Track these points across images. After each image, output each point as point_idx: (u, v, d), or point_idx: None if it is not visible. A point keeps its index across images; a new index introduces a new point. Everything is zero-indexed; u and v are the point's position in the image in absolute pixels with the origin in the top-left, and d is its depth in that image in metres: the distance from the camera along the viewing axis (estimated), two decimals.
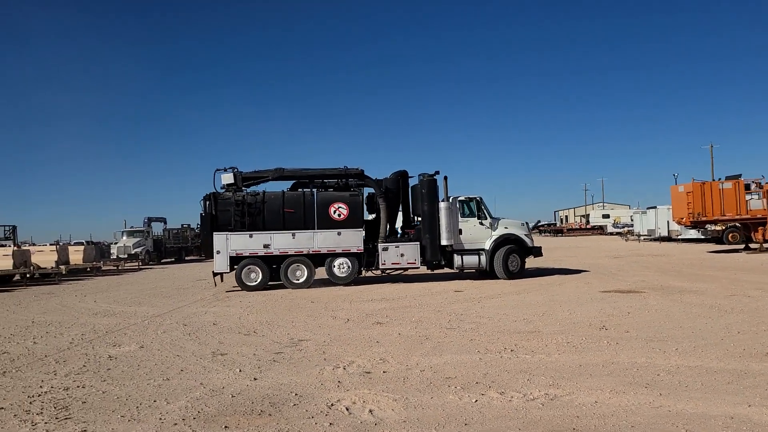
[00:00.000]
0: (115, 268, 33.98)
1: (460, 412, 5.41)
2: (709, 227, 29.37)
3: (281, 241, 17.86)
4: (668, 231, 40.94)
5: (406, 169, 19.33)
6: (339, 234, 17.95)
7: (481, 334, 9.22)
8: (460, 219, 18.51)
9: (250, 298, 15.82)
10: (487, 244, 18.32)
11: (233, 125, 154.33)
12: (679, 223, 29.97)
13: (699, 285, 14.91)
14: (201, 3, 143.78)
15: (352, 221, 18.04)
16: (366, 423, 5.25)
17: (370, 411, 5.57)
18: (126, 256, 37.45)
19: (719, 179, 28.99)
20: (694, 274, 17.91)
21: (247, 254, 17.82)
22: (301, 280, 17.78)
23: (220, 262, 17.84)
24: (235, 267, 17.75)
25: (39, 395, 6.54)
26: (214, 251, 17.89)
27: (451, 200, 18.56)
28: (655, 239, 43.28)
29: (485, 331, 9.46)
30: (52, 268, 27.19)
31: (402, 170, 19.34)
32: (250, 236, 17.83)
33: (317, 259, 18.00)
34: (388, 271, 18.94)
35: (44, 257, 28.42)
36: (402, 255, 18.21)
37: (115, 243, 40.10)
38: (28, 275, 25.32)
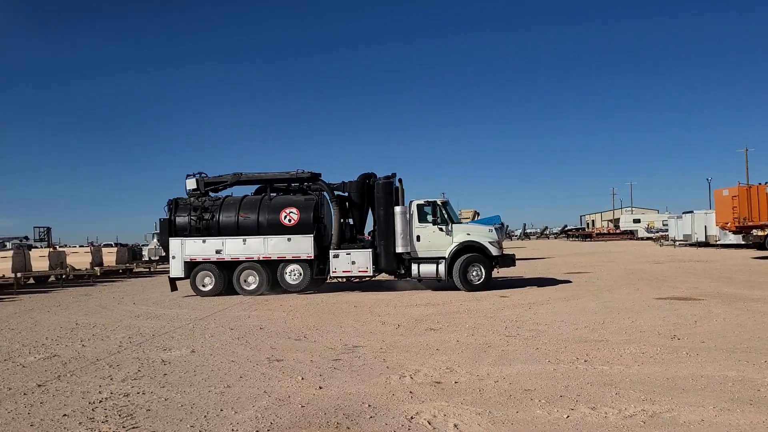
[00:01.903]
0: (147, 269, 34.08)
1: (554, 430, 5.02)
2: (755, 232, 28.47)
3: (233, 247, 17.52)
4: (706, 236, 39.90)
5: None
6: (289, 240, 17.27)
7: (545, 343, 8.80)
8: (417, 225, 17.15)
9: (290, 301, 15.55)
10: (447, 252, 16.95)
11: (258, 129, 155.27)
12: (723, 228, 29.10)
13: (758, 293, 14.27)
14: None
15: (302, 227, 17.26)
16: None
17: (455, 426, 5.20)
18: (158, 257, 37.55)
19: (766, 183, 28.07)
20: (748, 281, 17.23)
21: (200, 260, 17.65)
22: (253, 287, 17.39)
23: (175, 267, 17.85)
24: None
25: (100, 401, 6.29)
26: (170, 256, 17.93)
27: (409, 204, 17.45)
28: (692, 245, 42.24)
29: (548, 339, 9.04)
30: (86, 269, 27.33)
31: (368, 173, 18.20)
32: (204, 241, 17.64)
33: (272, 265, 17.47)
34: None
35: (79, 259, 28.56)
36: (353, 263, 17.21)
37: (147, 245, 40.26)
38: (63, 276, 25.43)
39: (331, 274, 17.42)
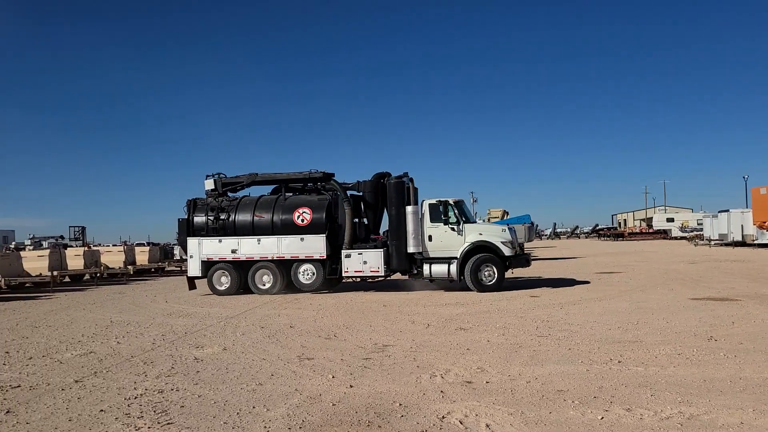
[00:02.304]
0: (179, 268, 34.50)
1: (589, 431, 4.95)
2: None
3: (248, 247, 17.69)
4: (742, 235, 38.97)
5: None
6: (302, 240, 17.30)
7: (577, 343, 8.68)
8: (429, 224, 16.89)
9: (320, 300, 15.63)
10: (459, 252, 16.62)
11: (285, 130, 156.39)
12: (760, 227, 28.41)
13: None
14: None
15: (315, 227, 17.28)
16: None
17: (487, 426, 5.16)
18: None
19: None
20: None
21: (217, 259, 17.92)
22: (267, 286, 17.51)
23: (193, 267, 18.19)
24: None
25: (135, 398, 6.40)
26: (188, 256, 18.27)
27: (421, 204, 17.15)
28: (728, 244, 41.30)
29: (581, 340, 8.92)
30: (120, 268, 27.81)
31: (382, 172, 18.02)
32: (220, 241, 17.91)
33: (286, 265, 17.57)
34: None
35: (112, 257, 29.14)
36: (365, 262, 17.03)
37: (178, 244, 40.80)
38: (97, 275, 25.93)
39: (344, 274, 17.35)
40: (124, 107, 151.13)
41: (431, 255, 16.93)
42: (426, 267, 16.84)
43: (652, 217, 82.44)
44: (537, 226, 64.57)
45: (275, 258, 17.50)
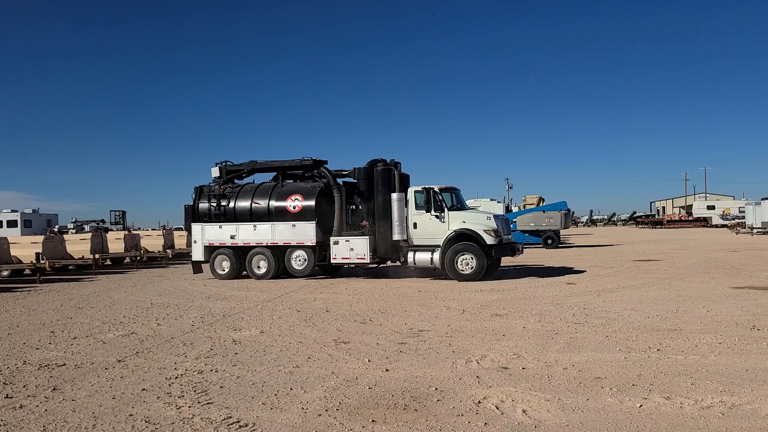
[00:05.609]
0: None
1: (627, 419, 4.89)
2: None
3: (245, 233, 18.07)
4: None
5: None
6: (294, 226, 17.50)
7: (615, 331, 8.58)
8: (414, 212, 16.71)
9: (355, 285, 15.73)
10: (442, 240, 16.33)
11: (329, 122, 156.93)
12: None
13: None
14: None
15: (306, 213, 17.43)
16: (524, 425, 4.84)
17: (524, 411, 5.15)
18: None
19: None
20: None
21: (218, 244, 18.38)
22: (263, 271, 17.79)
23: (197, 251, 18.72)
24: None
25: (176, 377, 6.55)
26: (192, 241, 18.76)
27: (406, 191, 16.94)
28: None
29: (619, 327, 8.81)
30: (159, 252, 28.38)
31: (377, 159, 17.77)
32: (220, 227, 18.35)
33: (280, 250, 17.76)
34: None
35: (152, 241, 29.69)
36: (352, 249, 17.02)
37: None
38: (137, 258, 26.50)
39: (332, 261, 17.36)
40: (162, 100, 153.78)
41: (416, 243, 16.82)
42: (410, 255, 16.76)
43: (691, 205, 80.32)
44: (573, 212, 63.62)
45: (269, 244, 17.80)
